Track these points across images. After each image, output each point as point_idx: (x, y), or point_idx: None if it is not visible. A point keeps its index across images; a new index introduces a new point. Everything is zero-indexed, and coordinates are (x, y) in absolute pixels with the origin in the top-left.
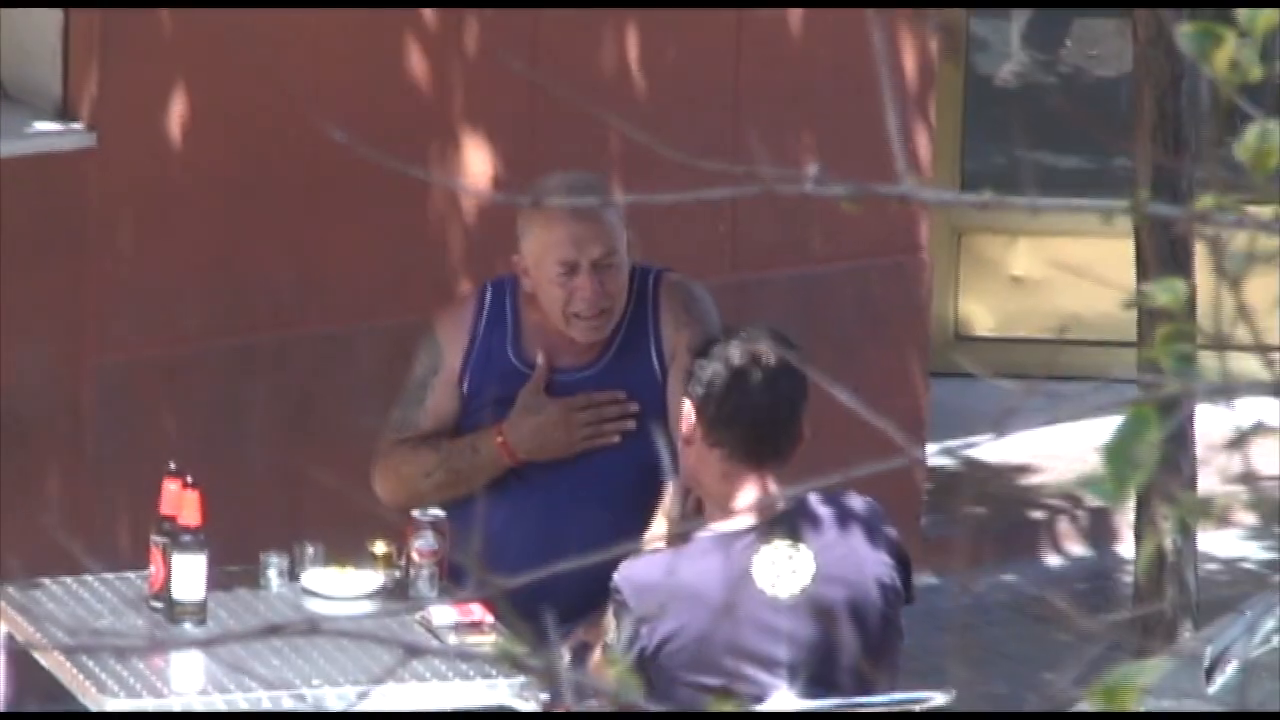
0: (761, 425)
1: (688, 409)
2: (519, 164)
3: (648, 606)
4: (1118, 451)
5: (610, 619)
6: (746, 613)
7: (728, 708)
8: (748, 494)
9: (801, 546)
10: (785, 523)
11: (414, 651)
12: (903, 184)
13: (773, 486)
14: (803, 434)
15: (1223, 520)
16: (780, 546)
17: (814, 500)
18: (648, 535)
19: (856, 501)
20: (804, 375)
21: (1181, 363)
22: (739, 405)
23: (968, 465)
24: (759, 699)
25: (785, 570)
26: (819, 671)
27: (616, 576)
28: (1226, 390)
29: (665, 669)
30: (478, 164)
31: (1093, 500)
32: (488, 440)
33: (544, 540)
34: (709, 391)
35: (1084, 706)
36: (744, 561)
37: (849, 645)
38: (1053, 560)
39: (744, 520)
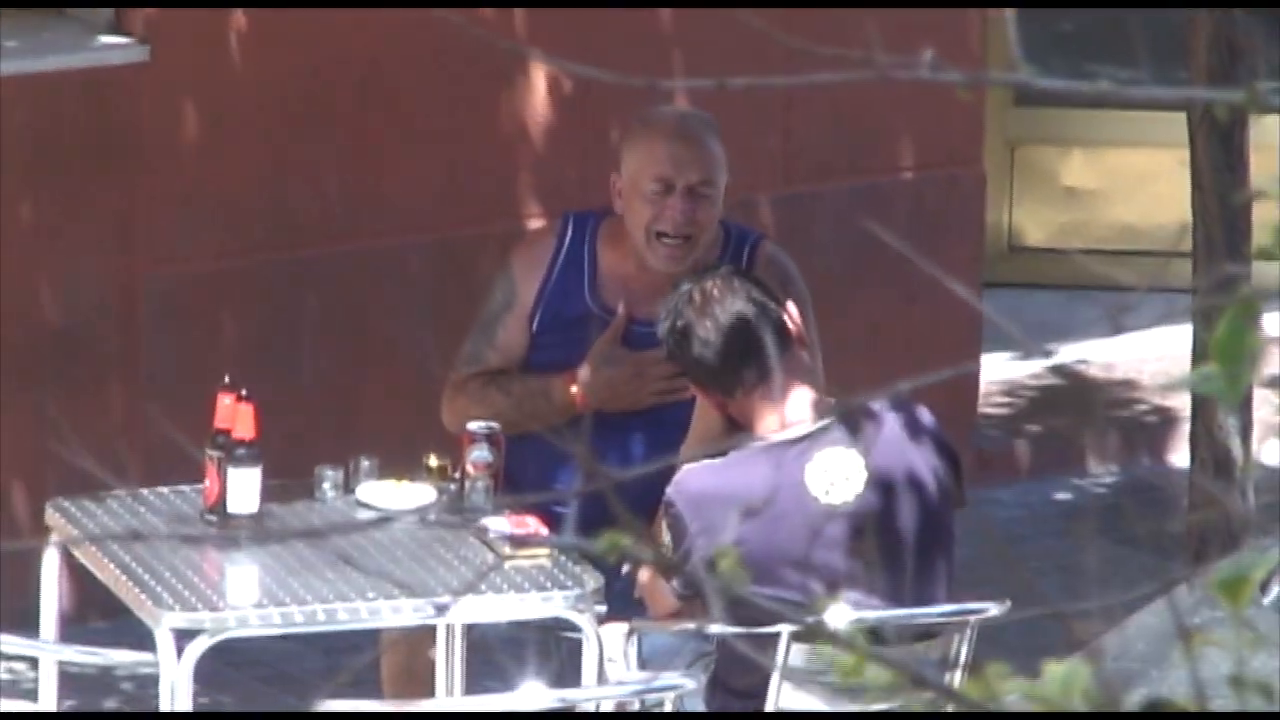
0: (745, 350)
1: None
2: (588, 80)
3: (703, 517)
4: (1227, 347)
5: (664, 533)
6: (802, 520)
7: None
8: (788, 407)
9: (853, 452)
10: (835, 430)
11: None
12: (1019, 70)
13: (795, 391)
14: (787, 329)
15: None
16: (831, 453)
17: (861, 406)
18: (685, 450)
19: (903, 405)
20: (750, 280)
21: None
22: (720, 353)
23: (1021, 377)
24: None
25: (838, 476)
26: (874, 577)
27: (669, 490)
28: None
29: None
30: (543, 86)
31: (1149, 411)
32: (560, 387)
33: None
34: (698, 366)
35: (1144, 615)
36: (796, 470)
37: (904, 549)
38: (1109, 472)
39: (793, 431)
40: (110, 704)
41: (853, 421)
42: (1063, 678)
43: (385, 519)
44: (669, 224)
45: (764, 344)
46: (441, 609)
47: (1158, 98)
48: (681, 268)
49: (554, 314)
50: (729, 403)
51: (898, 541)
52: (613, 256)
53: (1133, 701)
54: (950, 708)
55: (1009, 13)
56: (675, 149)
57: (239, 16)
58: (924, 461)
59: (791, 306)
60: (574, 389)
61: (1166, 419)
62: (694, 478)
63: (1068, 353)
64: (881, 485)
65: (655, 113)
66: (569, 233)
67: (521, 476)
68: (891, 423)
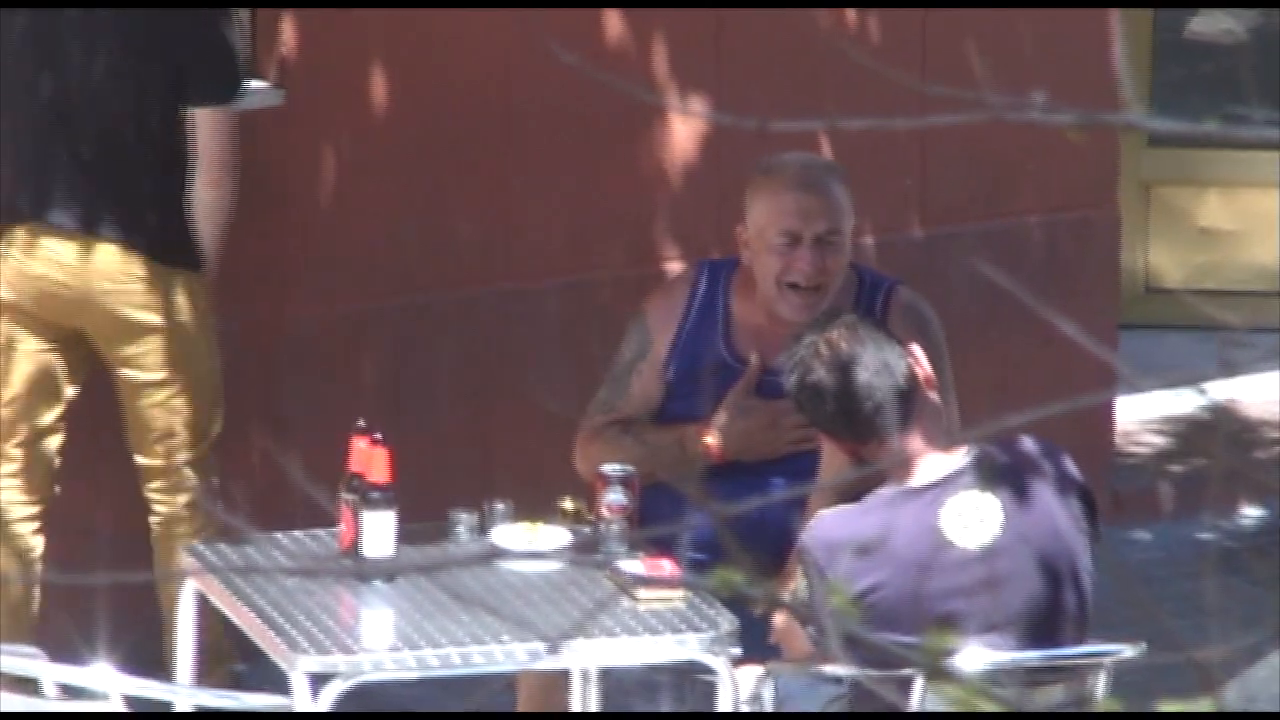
0: (877, 401)
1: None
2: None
3: (837, 564)
4: None
5: (800, 579)
6: (938, 566)
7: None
8: (921, 452)
9: (987, 495)
10: (969, 473)
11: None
12: (1129, 112)
13: (926, 438)
14: (916, 375)
15: None
16: (965, 497)
17: (994, 449)
18: (815, 492)
19: (1035, 445)
20: (874, 327)
21: None
22: (852, 405)
23: (1158, 419)
24: (949, 654)
25: (973, 520)
26: (1010, 622)
27: (805, 536)
28: None
29: (874, 615)
30: (679, 127)
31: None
32: (694, 437)
33: (751, 530)
34: (830, 419)
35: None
36: (931, 515)
37: (1041, 592)
38: (1245, 513)
39: (926, 476)
40: None
41: (985, 464)
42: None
43: (518, 555)
44: (800, 276)
45: (892, 393)
46: (561, 650)
47: (1269, 139)
48: (813, 316)
49: (688, 364)
50: (860, 449)
51: (1033, 583)
52: (746, 306)
53: None
54: None
55: (1119, 57)
56: (801, 200)
57: (373, 59)
58: (1058, 500)
59: (918, 350)
60: (709, 439)
61: None
62: (828, 524)
63: (1207, 393)
64: (1016, 527)
65: (777, 161)
66: (703, 282)
67: (655, 524)
68: (1024, 463)
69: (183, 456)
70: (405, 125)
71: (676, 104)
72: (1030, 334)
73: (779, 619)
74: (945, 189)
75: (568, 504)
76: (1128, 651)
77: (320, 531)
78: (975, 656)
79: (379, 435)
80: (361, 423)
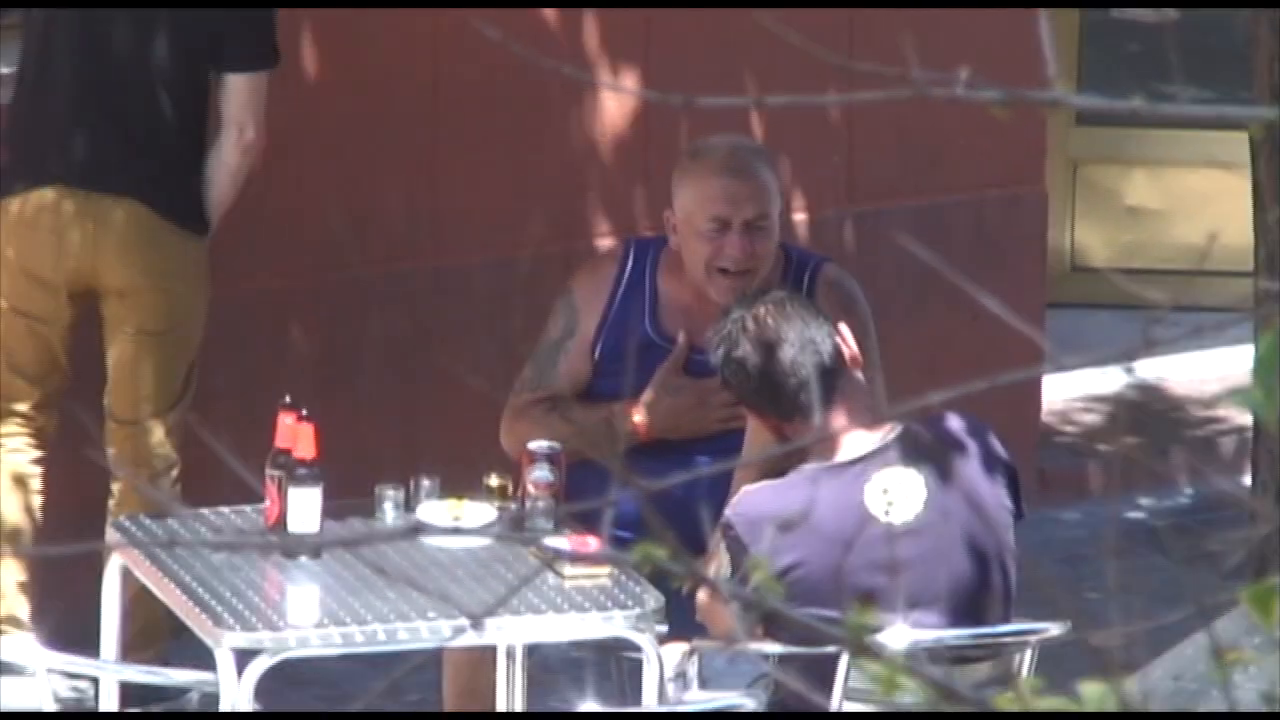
0: (802, 378)
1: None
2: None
3: (761, 540)
4: (1267, 363)
5: (723, 556)
6: (861, 542)
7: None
8: (845, 430)
9: (911, 471)
10: (894, 450)
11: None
12: (1054, 90)
13: (851, 415)
14: (842, 354)
15: None
16: (890, 473)
17: (920, 426)
18: (739, 470)
19: (961, 422)
20: (802, 304)
21: None
22: (776, 382)
23: (1085, 399)
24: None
25: (898, 496)
26: (935, 598)
27: (728, 512)
28: None
29: (795, 593)
30: (608, 104)
31: (1223, 431)
32: (621, 417)
33: (676, 508)
34: (755, 395)
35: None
36: (856, 490)
37: (966, 569)
38: (1170, 492)
39: (851, 452)
40: None
41: (911, 441)
42: (1098, 697)
43: (444, 531)
44: (729, 261)
45: (817, 371)
46: (486, 626)
47: (1194, 115)
48: None
49: (615, 342)
50: (785, 426)
51: (958, 559)
52: (673, 286)
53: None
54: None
55: (1044, 30)
56: (729, 186)
57: (300, 35)
58: (983, 477)
59: (844, 328)
60: (636, 417)
61: (1241, 439)
62: (752, 500)
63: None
64: (941, 503)
65: (704, 146)
66: (630, 260)
67: (582, 501)
68: (950, 440)
69: (160, 416)
70: (332, 102)
71: (605, 81)
72: (958, 312)
73: (702, 596)
74: (874, 167)
75: (494, 481)
76: (1053, 630)
77: (246, 508)
78: (900, 634)
79: (305, 412)
80: (288, 399)
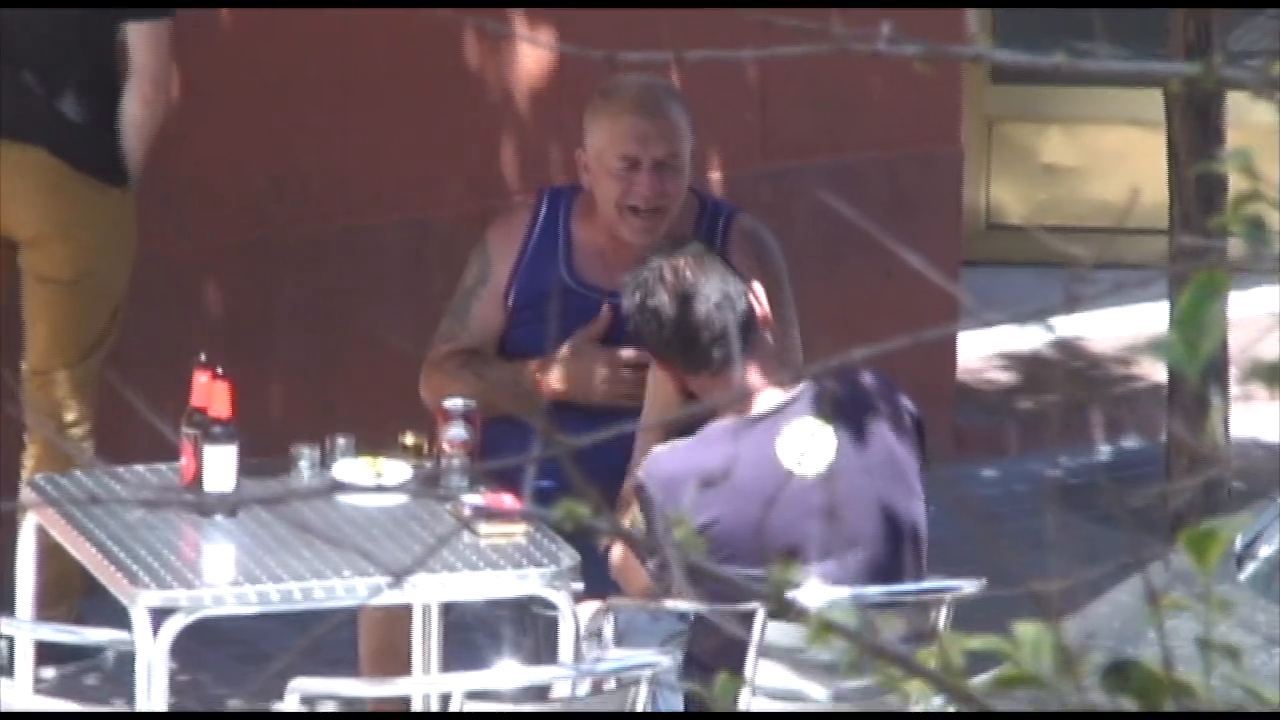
0: (715, 332)
1: (659, 374)
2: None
3: (676, 499)
4: (1188, 316)
5: (637, 517)
6: (776, 495)
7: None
8: (755, 388)
9: (821, 423)
10: (802, 402)
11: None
12: (975, 45)
13: (759, 373)
14: (754, 312)
15: None
16: (800, 424)
17: (831, 381)
18: (643, 422)
19: (867, 376)
20: (719, 260)
21: (1252, 228)
22: (689, 334)
23: (1000, 356)
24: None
25: (808, 447)
26: (849, 548)
27: (640, 473)
28: None
29: (713, 548)
30: (524, 61)
31: (1125, 386)
32: (529, 377)
33: (587, 466)
34: (666, 345)
35: (1119, 592)
36: (767, 444)
37: (878, 520)
38: (1087, 450)
39: (761, 406)
40: (90, 679)
41: (819, 394)
42: (1033, 639)
43: (360, 489)
44: (639, 199)
45: (730, 325)
46: (402, 584)
47: (1117, 71)
48: (654, 239)
49: (529, 289)
50: (690, 380)
51: (870, 511)
52: (587, 230)
53: (1098, 662)
54: (926, 691)
55: None
56: (639, 124)
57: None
58: (893, 433)
59: (758, 287)
60: (547, 377)
61: (1156, 395)
62: (665, 460)
63: (1054, 328)
64: (852, 455)
65: (616, 85)
66: (544, 208)
67: (498, 457)
68: (861, 395)
69: (70, 368)
70: (244, 61)
71: (522, 34)
72: (873, 269)
73: (616, 554)
74: (788, 124)
75: (409, 439)
76: (968, 587)
77: (162, 466)
78: (817, 591)
79: (220, 370)
80: (203, 357)
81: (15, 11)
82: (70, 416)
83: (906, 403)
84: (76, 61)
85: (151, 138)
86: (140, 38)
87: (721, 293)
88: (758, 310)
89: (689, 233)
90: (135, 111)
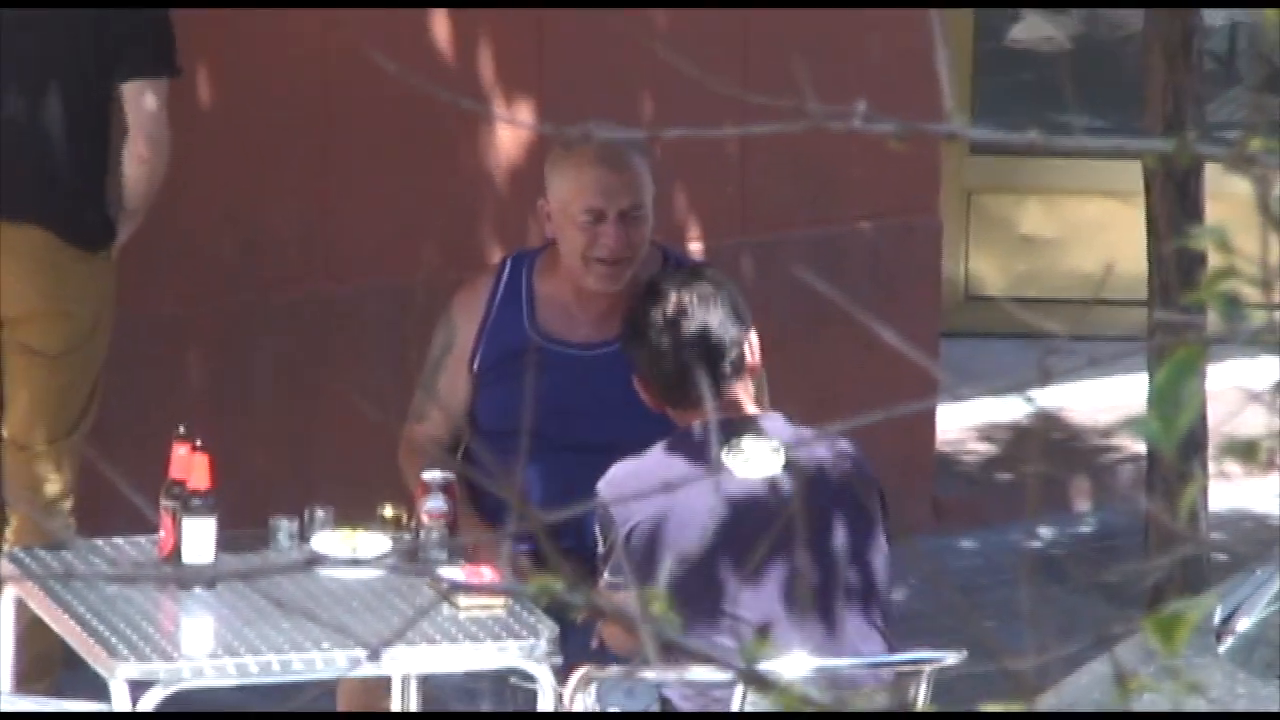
0: (704, 373)
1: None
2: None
3: (626, 502)
4: (1165, 393)
5: (598, 534)
6: (717, 495)
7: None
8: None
9: (773, 441)
10: (757, 422)
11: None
12: (951, 121)
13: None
14: (744, 360)
15: (1269, 465)
16: (751, 438)
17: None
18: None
19: (836, 440)
20: (729, 302)
21: (1228, 304)
22: (678, 365)
23: (978, 427)
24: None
25: (754, 456)
26: (790, 553)
27: (599, 487)
28: (1274, 331)
29: (637, 554)
30: (501, 130)
31: (1104, 458)
32: (470, 522)
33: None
34: (655, 372)
35: (1099, 663)
36: (715, 451)
37: (818, 530)
38: (1066, 521)
39: (717, 422)
40: None
41: (771, 425)
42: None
43: (339, 562)
44: (605, 250)
45: (722, 369)
46: (382, 655)
47: (1090, 148)
48: (619, 286)
49: (494, 352)
50: (669, 409)
51: (814, 520)
52: (550, 285)
53: None
54: None
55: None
56: (603, 178)
57: (192, 59)
58: (842, 461)
59: (754, 336)
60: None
61: (1136, 467)
62: (618, 469)
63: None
64: (797, 471)
65: (578, 137)
66: (506, 271)
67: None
68: (812, 439)
69: (56, 442)
70: (224, 125)
71: (500, 111)
72: (852, 341)
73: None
74: (768, 196)
75: (388, 511)
76: (949, 659)
77: (140, 538)
78: (795, 663)
79: (199, 442)
80: (182, 430)
81: (10, 84)
82: (53, 491)
83: (869, 468)
84: (69, 131)
85: (150, 195)
86: (135, 97)
87: (716, 335)
88: (748, 359)
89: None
90: (131, 170)
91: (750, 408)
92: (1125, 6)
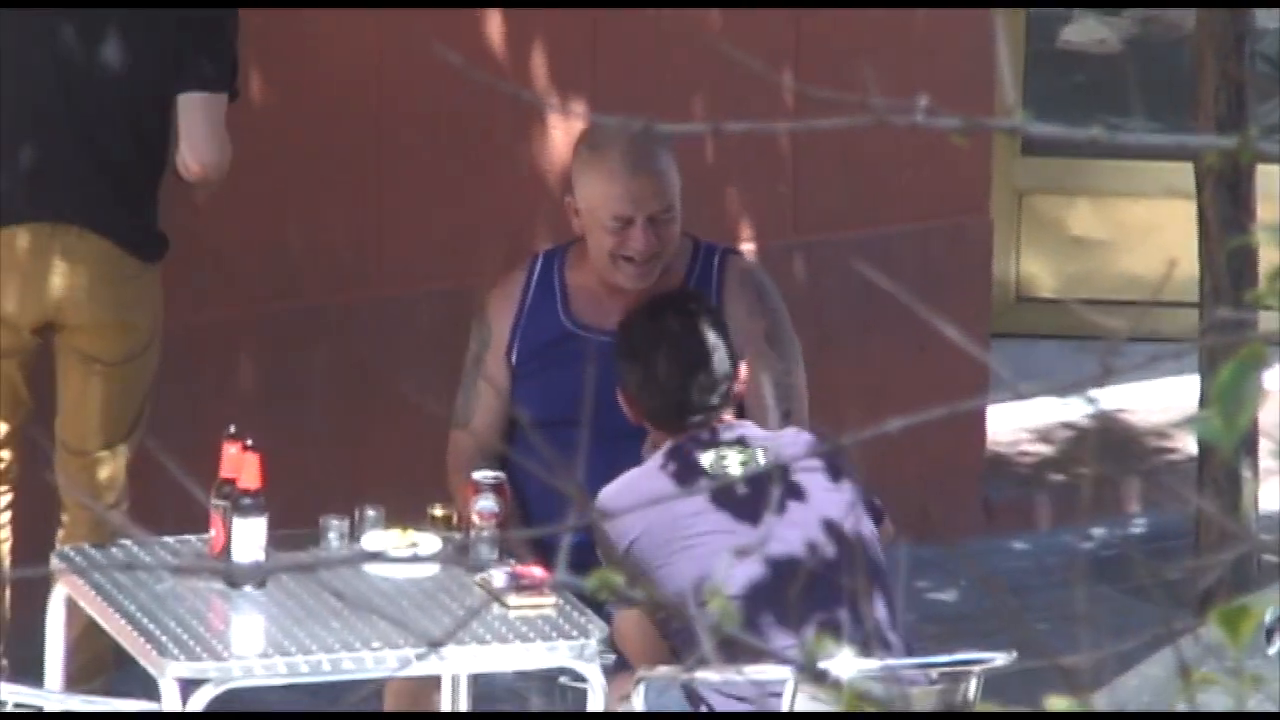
0: (693, 402)
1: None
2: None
3: (619, 516)
4: (1227, 391)
5: (600, 556)
6: (699, 499)
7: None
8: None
9: (754, 450)
10: (741, 430)
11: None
12: (1015, 117)
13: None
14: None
15: None
16: (732, 445)
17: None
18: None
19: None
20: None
21: None
22: (669, 390)
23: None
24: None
25: (734, 459)
26: (776, 551)
27: (599, 504)
28: None
29: (637, 564)
30: (555, 132)
31: (1155, 459)
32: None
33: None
34: (645, 395)
35: (1150, 665)
36: (693, 458)
37: (806, 536)
38: (1118, 523)
39: (701, 432)
40: None
41: (751, 438)
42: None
43: (390, 560)
44: (634, 251)
45: (710, 400)
46: (434, 654)
47: (1152, 145)
48: (649, 283)
49: (530, 342)
50: (649, 426)
51: (791, 533)
52: (581, 275)
53: None
54: None
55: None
56: (630, 184)
57: (246, 62)
58: (835, 480)
59: (744, 368)
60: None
61: (1187, 468)
62: (610, 492)
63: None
64: (779, 472)
65: (601, 135)
66: (539, 266)
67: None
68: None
69: (114, 447)
70: (278, 129)
71: (556, 105)
72: (903, 342)
73: (620, 619)
74: (819, 197)
75: (438, 510)
76: (999, 659)
77: (191, 537)
78: (846, 661)
79: (250, 441)
80: (233, 429)
81: (77, 94)
82: (111, 497)
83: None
84: (130, 141)
85: (209, 190)
86: (191, 108)
87: (709, 368)
88: (736, 387)
89: (683, 275)
90: (185, 177)
91: (729, 419)
92: (1178, 6)
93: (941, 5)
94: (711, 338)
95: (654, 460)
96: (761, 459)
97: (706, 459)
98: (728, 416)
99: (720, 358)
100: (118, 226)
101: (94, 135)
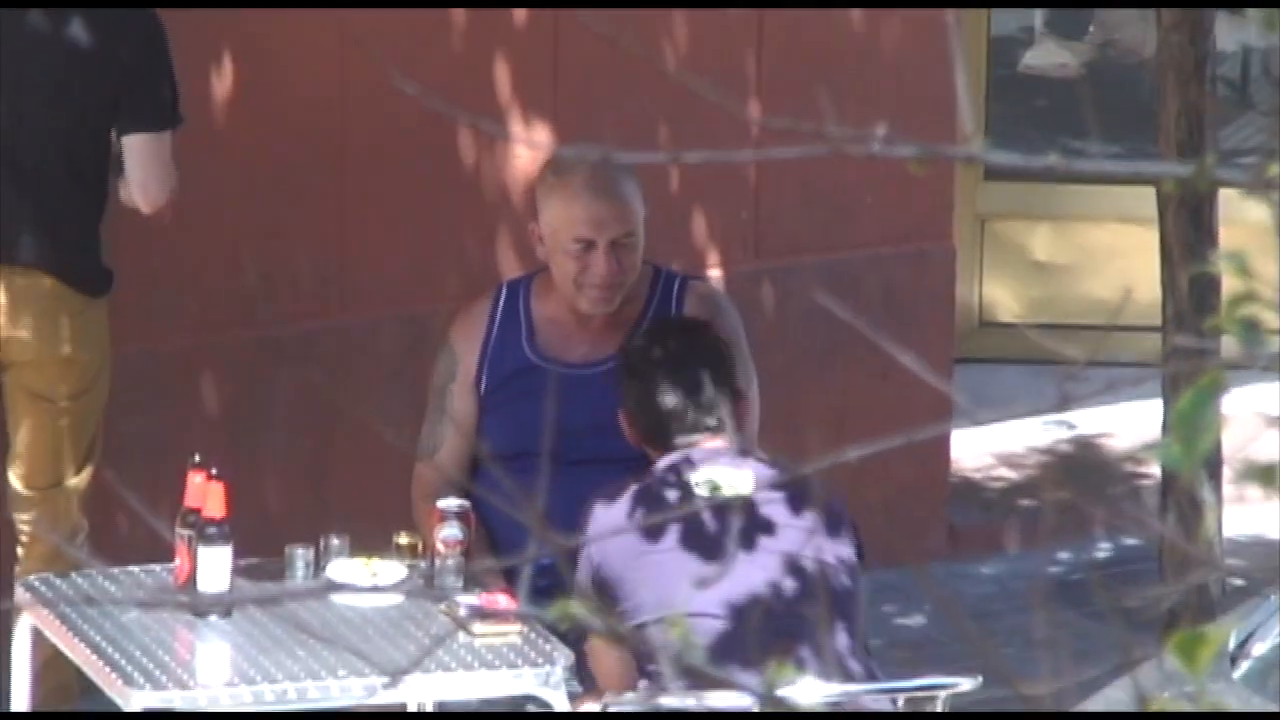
0: (689, 424)
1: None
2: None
3: (599, 531)
4: (1187, 417)
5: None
6: (686, 523)
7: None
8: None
9: (744, 471)
10: (726, 454)
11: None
12: (973, 144)
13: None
14: (726, 419)
15: None
16: (718, 465)
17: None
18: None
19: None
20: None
21: (1248, 330)
22: (664, 416)
23: (995, 455)
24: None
25: (723, 479)
26: (763, 567)
27: (584, 531)
28: None
29: (607, 590)
30: (517, 158)
31: (1119, 484)
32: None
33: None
34: (642, 414)
35: (1114, 689)
36: (682, 479)
37: (776, 574)
38: (1081, 547)
39: (686, 453)
40: None
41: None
42: None
43: (355, 589)
44: (596, 277)
45: (707, 422)
46: (397, 685)
47: (1108, 172)
48: (612, 308)
49: (497, 373)
50: (649, 448)
51: (769, 560)
52: (547, 306)
53: None
54: None
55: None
56: (593, 208)
57: (207, 87)
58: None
59: (754, 391)
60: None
61: (1152, 492)
62: (598, 511)
63: (1060, 425)
64: (768, 492)
65: (568, 162)
66: (503, 295)
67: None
68: (789, 476)
69: (69, 480)
70: (239, 154)
71: (518, 134)
72: (866, 368)
73: (592, 643)
74: (781, 222)
75: (404, 539)
76: (964, 684)
77: (156, 566)
78: (812, 688)
79: (215, 470)
80: (197, 458)
81: (14, 130)
82: (69, 529)
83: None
84: (71, 178)
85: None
86: (135, 152)
87: (709, 392)
88: (732, 421)
89: (644, 302)
90: (130, 204)
91: (722, 444)
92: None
93: (905, 5)
94: (712, 361)
95: (647, 475)
96: (751, 480)
97: (697, 479)
98: (720, 441)
99: (721, 382)
100: (61, 264)
101: (33, 177)
